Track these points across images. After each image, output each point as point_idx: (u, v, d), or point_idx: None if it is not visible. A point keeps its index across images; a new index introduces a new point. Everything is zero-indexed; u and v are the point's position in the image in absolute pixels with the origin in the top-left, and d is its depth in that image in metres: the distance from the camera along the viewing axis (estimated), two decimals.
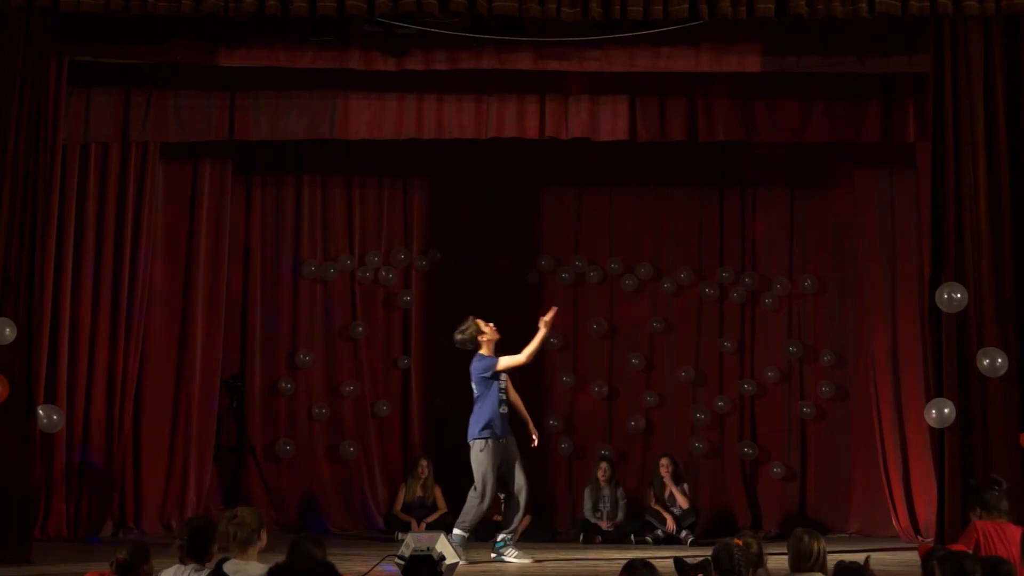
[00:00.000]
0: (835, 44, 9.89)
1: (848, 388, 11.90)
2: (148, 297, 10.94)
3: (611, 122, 10.59)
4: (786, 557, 5.56)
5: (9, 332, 9.01)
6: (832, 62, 10.04)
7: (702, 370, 12.22)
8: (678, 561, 5.18)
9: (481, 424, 9.36)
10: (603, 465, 11.58)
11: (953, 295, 9.11)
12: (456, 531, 9.31)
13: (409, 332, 12.24)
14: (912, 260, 11.06)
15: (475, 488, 9.38)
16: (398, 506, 11.53)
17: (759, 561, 5.47)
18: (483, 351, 9.47)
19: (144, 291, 10.84)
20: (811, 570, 5.41)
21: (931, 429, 9.54)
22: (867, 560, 5.49)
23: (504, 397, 9.39)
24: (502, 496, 9.84)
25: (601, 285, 12.37)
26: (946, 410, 9.10)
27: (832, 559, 5.60)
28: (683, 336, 12.28)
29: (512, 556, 9.43)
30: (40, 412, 9.44)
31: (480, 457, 9.34)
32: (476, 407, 9.42)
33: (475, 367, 9.46)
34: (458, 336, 9.56)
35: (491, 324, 9.54)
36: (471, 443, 9.40)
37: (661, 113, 10.61)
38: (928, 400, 9.51)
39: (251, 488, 11.66)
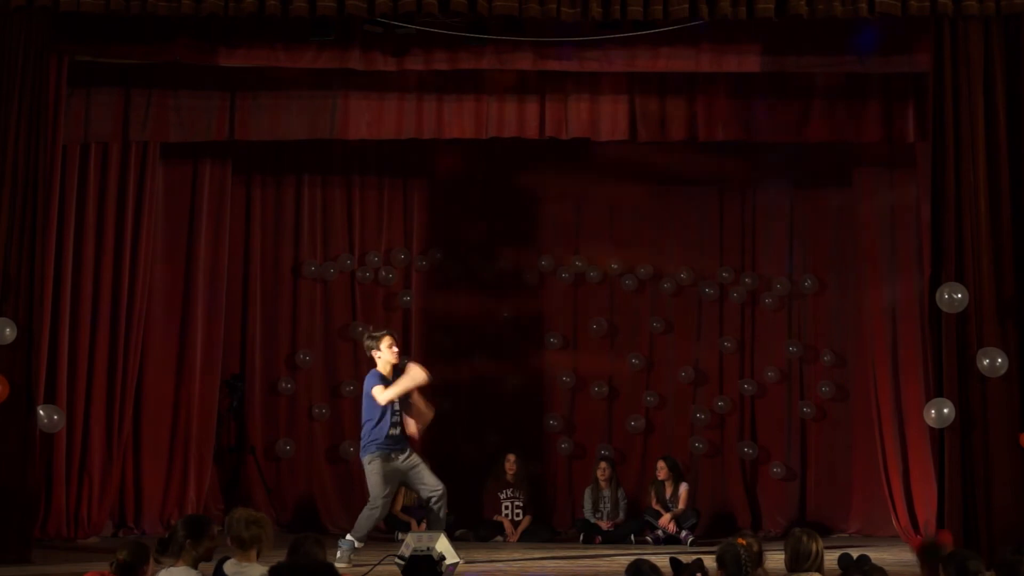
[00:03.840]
0: (835, 44, 9.89)
1: (848, 388, 11.90)
2: (148, 297, 10.94)
3: (611, 122, 10.59)
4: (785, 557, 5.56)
5: (9, 332, 9.02)
6: (832, 62, 10.05)
7: (702, 370, 12.22)
8: (674, 560, 5.19)
9: (366, 442, 9.21)
10: (603, 465, 11.58)
11: (953, 295, 9.11)
12: (348, 537, 9.14)
13: (409, 332, 12.23)
14: (912, 260, 11.05)
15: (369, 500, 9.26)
16: (398, 506, 11.51)
17: (759, 561, 5.48)
18: (379, 367, 9.28)
19: (144, 291, 10.83)
20: (808, 570, 5.41)
21: (931, 429, 9.53)
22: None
23: (396, 420, 9.19)
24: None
25: (601, 285, 12.37)
26: (946, 410, 9.10)
27: (831, 559, 5.61)
28: (683, 336, 12.28)
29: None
30: (40, 412, 9.44)
31: (369, 470, 9.19)
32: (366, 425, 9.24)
33: (367, 382, 9.28)
34: (366, 338, 9.45)
35: (395, 349, 9.30)
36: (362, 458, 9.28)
37: (661, 113, 10.61)
38: (928, 400, 9.51)
39: (251, 488, 11.68)
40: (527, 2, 9.17)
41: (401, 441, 9.24)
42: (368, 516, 9.18)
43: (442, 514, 9.21)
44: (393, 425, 9.18)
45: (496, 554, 10.12)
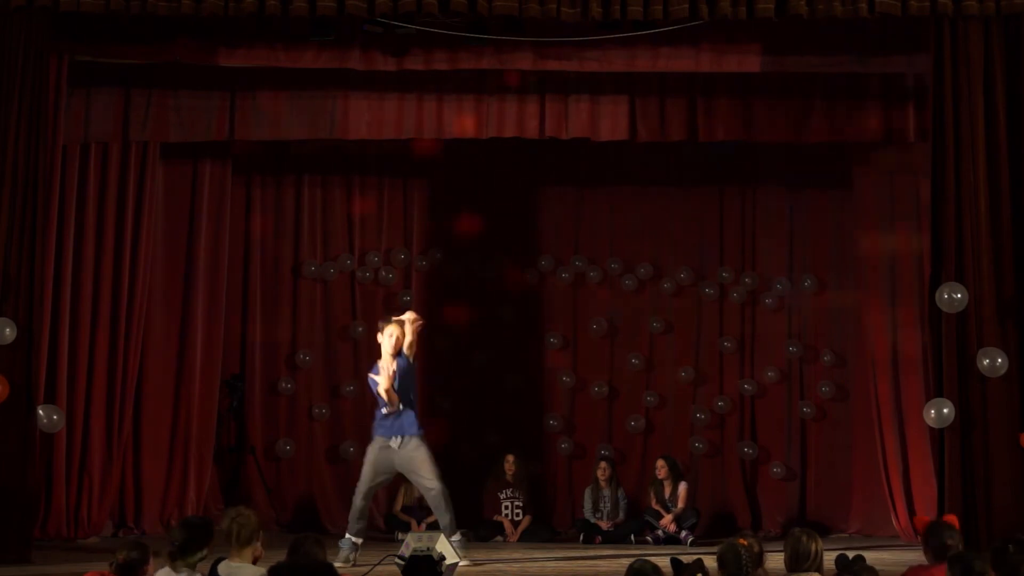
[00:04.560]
0: (835, 44, 9.89)
1: (848, 388, 11.90)
2: (148, 297, 10.94)
3: (611, 122, 10.59)
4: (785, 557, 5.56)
5: (9, 332, 9.02)
6: (832, 62, 10.05)
7: (702, 370, 12.21)
8: (674, 560, 5.19)
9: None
10: (603, 465, 11.58)
11: (953, 295, 9.11)
12: (346, 536, 9.10)
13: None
14: (912, 260, 11.05)
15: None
16: (398, 506, 11.54)
17: (759, 561, 5.48)
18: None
19: (144, 291, 10.83)
20: (808, 570, 5.41)
21: (931, 429, 9.54)
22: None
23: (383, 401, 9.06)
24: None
25: (601, 285, 12.36)
26: (946, 410, 9.10)
27: (830, 559, 5.61)
28: (683, 336, 12.27)
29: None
30: (40, 412, 9.43)
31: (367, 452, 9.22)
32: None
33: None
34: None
35: (391, 340, 9.10)
36: None
37: (661, 113, 10.61)
38: (928, 400, 9.51)
39: (251, 488, 11.68)
40: (527, 2, 9.17)
41: (395, 426, 9.06)
42: (352, 506, 9.12)
43: (444, 520, 8.92)
44: (382, 408, 9.10)
45: (496, 554, 10.11)
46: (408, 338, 9.09)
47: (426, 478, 9.04)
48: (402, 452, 9.07)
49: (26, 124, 9.24)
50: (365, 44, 9.96)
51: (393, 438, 9.06)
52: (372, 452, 9.15)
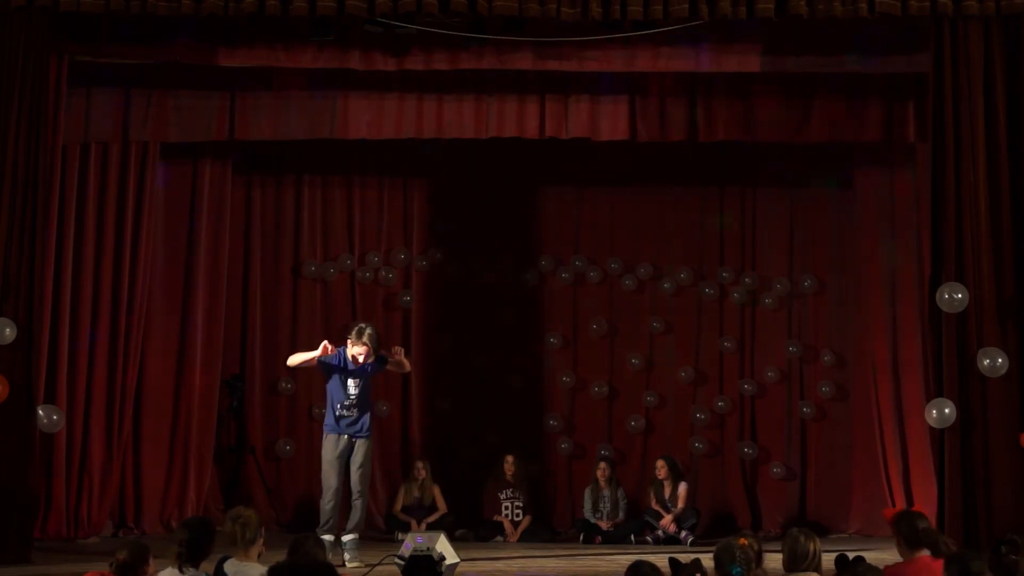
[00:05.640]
0: (835, 44, 9.89)
1: (848, 388, 11.90)
2: (148, 297, 10.94)
3: (611, 122, 10.59)
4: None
5: (9, 332, 9.02)
6: (832, 62, 10.05)
7: (702, 370, 12.22)
8: (672, 560, 5.19)
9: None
10: (603, 465, 11.59)
11: (953, 295, 9.12)
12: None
13: (409, 332, 12.23)
14: (912, 260, 11.06)
15: None
16: (397, 506, 11.53)
17: (758, 561, 5.48)
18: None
19: (144, 291, 10.83)
20: (806, 570, 5.41)
21: (931, 429, 9.54)
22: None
23: (343, 397, 9.31)
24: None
25: (601, 285, 12.37)
26: (946, 410, 9.10)
27: (830, 559, 5.61)
28: (683, 336, 12.27)
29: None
30: (40, 412, 9.44)
31: (322, 452, 9.42)
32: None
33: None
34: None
35: (356, 352, 9.44)
36: None
37: (661, 113, 10.61)
38: (928, 400, 9.52)
39: (251, 488, 11.68)
40: (527, 2, 9.18)
41: (353, 426, 9.28)
42: (322, 506, 9.25)
43: (355, 519, 9.18)
44: (344, 407, 9.26)
45: (496, 554, 10.11)
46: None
47: (357, 479, 9.23)
48: (355, 447, 9.28)
49: (26, 124, 9.25)
50: (365, 44, 9.95)
51: (348, 437, 9.27)
52: (328, 451, 9.26)
